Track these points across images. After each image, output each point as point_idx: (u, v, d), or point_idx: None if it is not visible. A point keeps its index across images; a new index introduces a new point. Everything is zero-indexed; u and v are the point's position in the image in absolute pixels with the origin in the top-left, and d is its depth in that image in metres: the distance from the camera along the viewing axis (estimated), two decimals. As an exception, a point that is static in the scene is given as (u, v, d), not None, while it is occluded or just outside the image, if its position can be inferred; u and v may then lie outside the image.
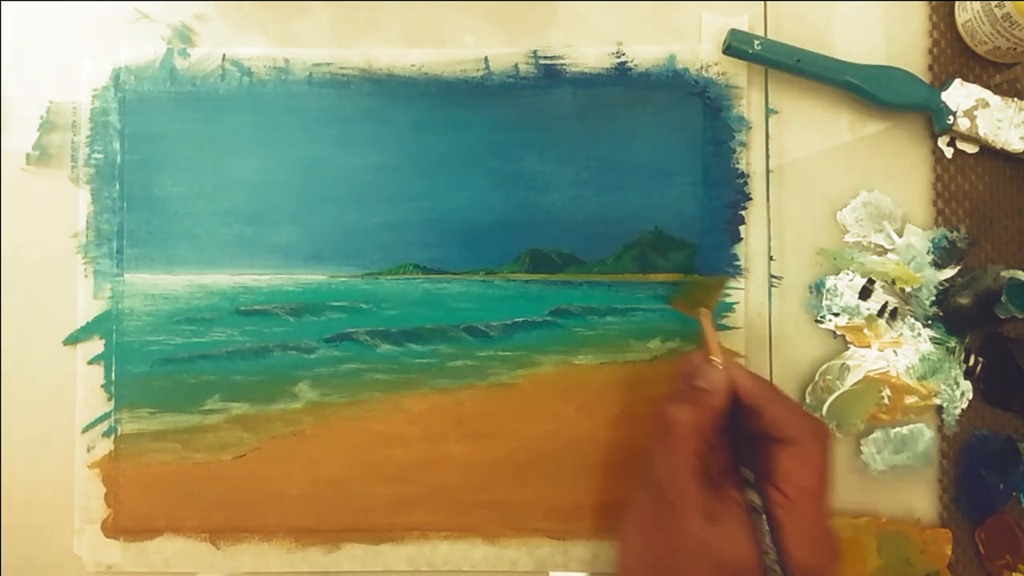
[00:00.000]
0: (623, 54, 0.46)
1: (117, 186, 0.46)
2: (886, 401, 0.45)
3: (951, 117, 0.44)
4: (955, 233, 0.46)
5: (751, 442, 0.39)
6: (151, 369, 0.46)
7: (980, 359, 0.45)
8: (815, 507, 0.37)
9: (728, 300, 0.46)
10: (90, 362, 0.46)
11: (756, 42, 0.44)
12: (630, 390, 0.45)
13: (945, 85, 0.45)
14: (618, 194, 0.46)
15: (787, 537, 0.36)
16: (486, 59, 0.46)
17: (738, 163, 0.46)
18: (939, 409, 0.46)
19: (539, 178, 0.46)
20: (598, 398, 0.45)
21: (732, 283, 0.46)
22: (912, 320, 0.46)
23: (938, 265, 0.45)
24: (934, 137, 0.46)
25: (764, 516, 0.36)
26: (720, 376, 0.39)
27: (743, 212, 0.46)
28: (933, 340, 0.45)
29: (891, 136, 0.46)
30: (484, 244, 0.46)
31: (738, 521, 0.37)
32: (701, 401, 0.39)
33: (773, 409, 0.38)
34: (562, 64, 0.46)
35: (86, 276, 0.46)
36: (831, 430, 0.38)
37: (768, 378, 0.46)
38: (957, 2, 0.45)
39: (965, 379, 0.45)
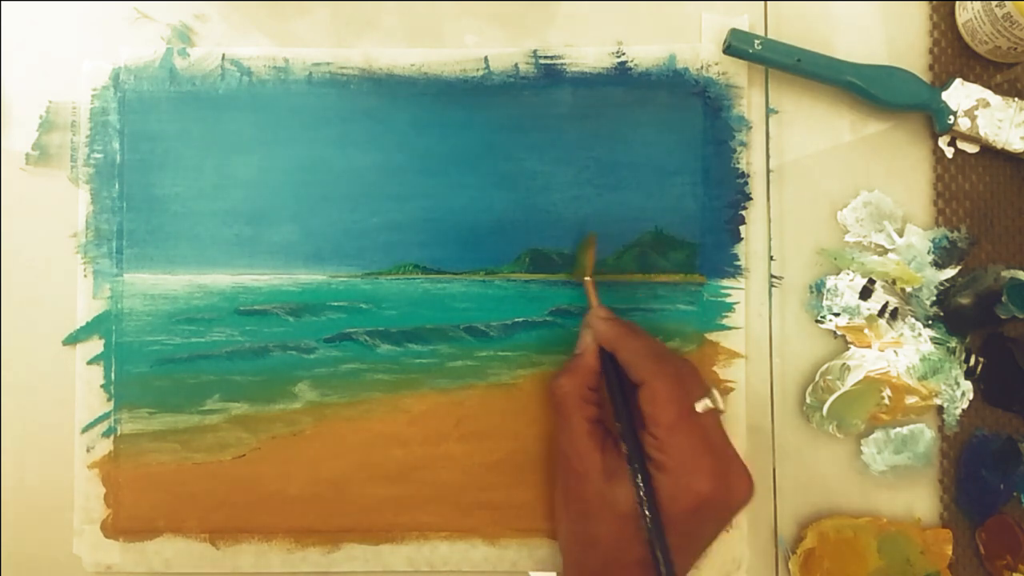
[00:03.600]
0: (623, 54, 0.46)
1: (117, 186, 0.46)
2: (887, 401, 0.45)
3: (951, 117, 0.44)
4: (956, 233, 0.46)
5: (630, 389, 0.40)
6: (150, 369, 0.46)
7: (981, 359, 0.45)
8: (683, 439, 0.37)
9: (728, 300, 0.46)
10: (89, 362, 0.46)
11: (756, 42, 0.44)
12: (630, 390, 0.45)
13: (946, 85, 0.45)
14: (618, 194, 0.46)
15: (667, 474, 0.37)
16: (486, 59, 0.46)
17: (738, 163, 0.46)
18: (940, 409, 0.45)
19: (539, 178, 0.46)
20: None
21: (731, 282, 0.46)
22: (913, 320, 0.45)
23: (939, 265, 0.45)
24: (934, 137, 0.46)
25: (634, 463, 0.38)
26: (588, 336, 0.41)
27: (743, 212, 0.46)
28: (934, 340, 0.45)
29: (891, 136, 0.46)
30: (484, 244, 0.46)
31: (627, 473, 0.38)
32: (576, 366, 0.41)
33: (625, 353, 0.40)
34: (562, 64, 0.46)
35: (85, 276, 0.46)
36: (684, 365, 0.39)
37: (769, 379, 0.46)
38: (957, 2, 0.45)
39: (966, 379, 0.45)
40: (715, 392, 0.39)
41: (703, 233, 0.46)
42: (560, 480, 0.42)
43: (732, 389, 0.45)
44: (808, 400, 0.45)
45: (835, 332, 0.46)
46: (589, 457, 0.39)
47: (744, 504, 0.39)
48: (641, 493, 0.38)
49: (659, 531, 0.37)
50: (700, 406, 0.38)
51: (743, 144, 0.46)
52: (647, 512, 0.37)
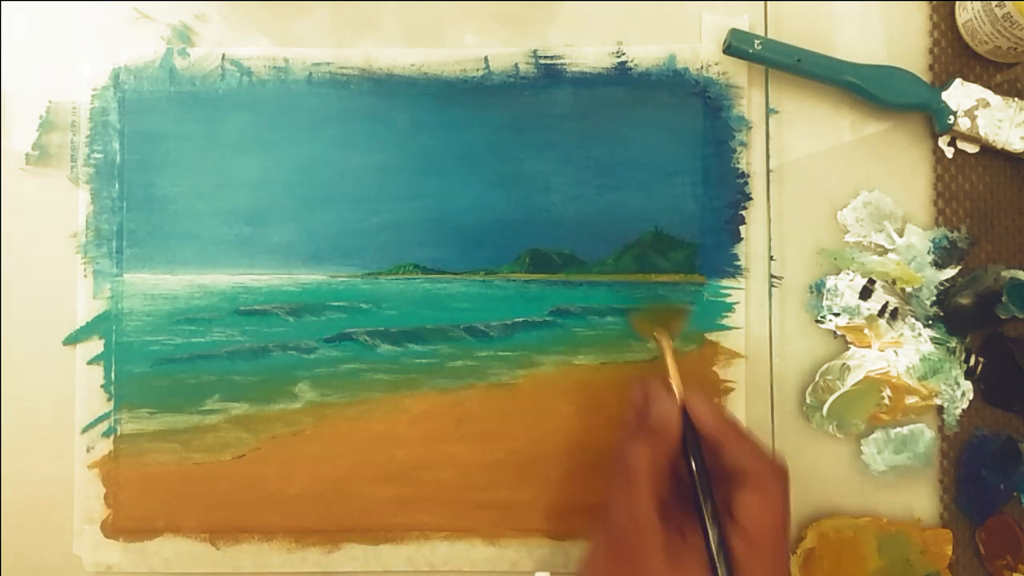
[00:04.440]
0: (623, 54, 0.46)
1: (117, 186, 0.46)
2: (887, 401, 0.45)
3: (951, 117, 0.44)
4: (956, 233, 0.46)
5: (709, 474, 0.38)
6: (151, 369, 0.46)
7: (981, 359, 0.45)
8: (776, 548, 0.36)
9: (728, 300, 0.46)
10: (90, 362, 0.46)
11: (756, 42, 0.44)
12: (630, 390, 0.45)
13: (946, 85, 0.45)
14: (618, 194, 0.46)
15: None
16: (486, 59, 0.46)
17: (738, 163, 0.46)
18: (940, 409, 0.45)
19: (539, 178, 0.46)
20: (598, 398, 0.45)
21: (731, 282, 0.46)
22: (913, 320, 0.45)
23: (939, 265, 0.45)
24: (935, 137, 0.46)
25: (722, 556, 0.36)
26: (674, 411, 0.38)
27: (743, 212, 0.46)
28: (934, 340, 0.45)
29: (892, 136, 0.46)
30: (484, 244, 0.46)
31: (699, 559, 0.36)
32: (656, 440, 0.38)
33: (732, 446, 0.37)
34: (562, 64, 0.46)
35: (85, 276, 0.46)
36: (788, 469, 0.38)
37: (769, 379, 0.46)
38: (957, 2, 0.45)
39: (966, 379, 0.45)
40: None
41: (703, 233, 0.46)
42: (604, 547, 0.38)
43: (732, 389, 0.45)
44: (808, 400, 0.45)
45: (835, 332, 0.46)
46: (650, 535, 0.36)
47: None
48: None
49: None
50: None
51: (743, 144, 0.46)
52: None
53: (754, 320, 0.46)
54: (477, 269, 0.46)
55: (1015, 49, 0.43)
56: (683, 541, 0.36)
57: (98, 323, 0.46)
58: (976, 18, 0.44)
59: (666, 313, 0.45)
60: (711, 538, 0.36)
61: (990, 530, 0.44)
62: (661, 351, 0.41)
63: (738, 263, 0.46)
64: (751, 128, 0.46)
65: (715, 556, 0.36)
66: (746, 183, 0.46)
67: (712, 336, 0.45)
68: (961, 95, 0.45)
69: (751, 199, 0.46)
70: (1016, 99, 0.45)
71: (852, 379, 0.45)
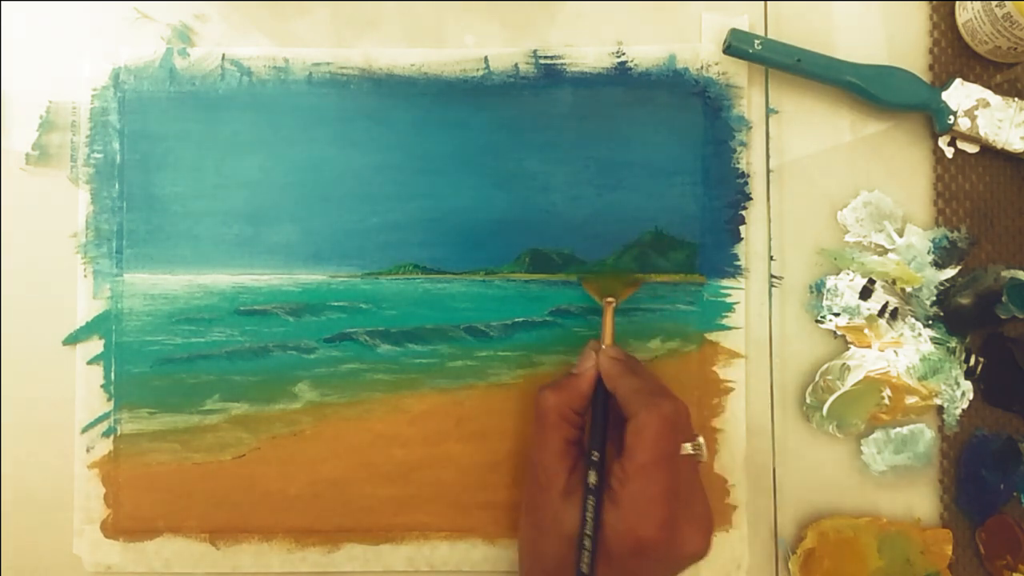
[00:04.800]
0: (623, 54, 0.46)
1: (116, 186, 0.46)
2: (887, 401, 0.45)
3: (951, 117, 0.44)
4: (956, 233, 0.46)
5: (614, 424, 0.40)
6: (150, 369, 0.46)
7: (981, 359, 0.45)
8: (649, 481, 0.37)
9: (728, 300, 0.46)
10: (89, 362, 0.46)
11: (756, 42, 0.44)
12: (630, 390, 0.45)
13: (945, 85, 0.45)
14: (618, 194, 0.46)
15: (618, 509, 0.37)
16: (486, 59, 0.46)
17: (738, 163, 0.46)
18: (940, 409, 0.45)
19: (539, 178, 0.46)
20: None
21: (731, 282, 0.46)
22: (913, 320, 0.45)
23: (939, 265, 0.45)
24: (935, 137, 0.46)
25: (590, 493, 0.38)
26: (590, 361, 0.41)
27: (743, 212, 0.46)
28: (934, 340, 0.45)
29: (891, 136, 0.46)
30: (484, 244, 0.46)
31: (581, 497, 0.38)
32: (568, 385, 0.41)
33: (622, 388, 0.40)
34: (562, 64, 0.46)
35: (85, 276, 0.46)
36: (681, 407, 0.39)
37: (769, 379, 0.46)
38: (957, 2, 0.45)
39: (966, 379, 0.45)
40: (701, 440, 0.39)
41: (703, 233, 0.46)
42: (526, 487, 0.42)
43: (732, 389, 0.45)
44: (808, 400, 0.45)
45: (835, 332, 0.46)
46: (554, 474, 0.39)
47: (694, 559, 0.38)
48: (587, 519, 0.37)
49: (590, 562, 0.37)
50: (689, 447, 0.38)
51: (743, 144, 0.46)
52: (585, 540, 0.37)
53: (754, 320, 0.46)
54: (477, 269, 0.46)
55: (1015, 49, 0.43)
56: (580, 481, 0.39)
57: (98, 323, 0.46)
58: (976, 18, 0.44)
59: (615, 282, 0.45)
60: (589, 479, 0.38)
61: (990, 530, 0.44)
62: (603, 315, 0.43)
63: (738, 263, 0.46)
64: (751, 128, 0.46)
65: (586, 489, 0.38)
66: (746, 183, 0.46)
67: (712, 336, 0.45)
68: (961, 95, 0.45)
69: (751, 199, 0.46)
70: (1016, 99, 0.45)
71: (852, 379, 0.45)
